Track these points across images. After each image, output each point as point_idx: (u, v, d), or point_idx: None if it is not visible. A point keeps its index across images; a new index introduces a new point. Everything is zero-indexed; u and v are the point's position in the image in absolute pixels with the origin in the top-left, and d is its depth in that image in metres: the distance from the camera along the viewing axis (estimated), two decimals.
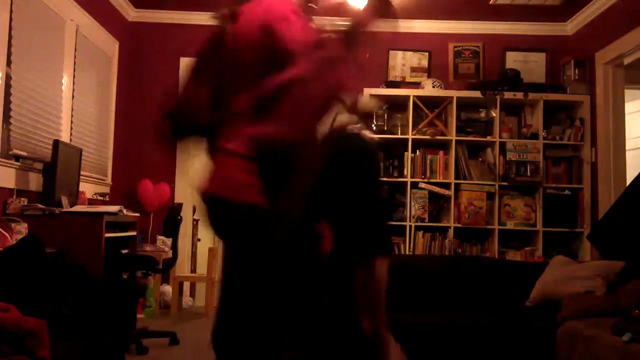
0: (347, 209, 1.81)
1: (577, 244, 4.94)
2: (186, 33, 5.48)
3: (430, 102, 5.08)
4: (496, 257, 4.84)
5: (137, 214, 4.41)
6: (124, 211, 3.93)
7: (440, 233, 4.98)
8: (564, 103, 5.10)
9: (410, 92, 5.03)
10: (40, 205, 3.41)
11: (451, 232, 4.90)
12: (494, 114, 5.06)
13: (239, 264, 1.64)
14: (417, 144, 5.02)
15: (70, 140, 4.23)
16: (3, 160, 3.38)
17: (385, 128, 5.03)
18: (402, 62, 5.48)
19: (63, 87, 4.15)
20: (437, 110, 5.10)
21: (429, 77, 5.35)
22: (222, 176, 1.61)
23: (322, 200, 1.74)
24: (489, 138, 5.03)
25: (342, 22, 1.72)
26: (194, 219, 5.83)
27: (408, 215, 4.90)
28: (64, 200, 3.61)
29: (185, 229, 5.26)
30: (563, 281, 3.24)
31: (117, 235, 3.83)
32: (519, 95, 5.01)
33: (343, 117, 1.84)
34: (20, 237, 2.89)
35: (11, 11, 3.44)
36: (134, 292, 3.63)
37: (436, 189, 4.95)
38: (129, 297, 3.26)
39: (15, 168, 3.51)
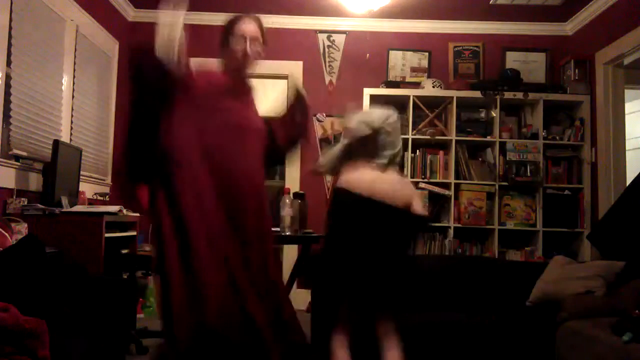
0: None
1: (577, 244, 4.94)
2: (186, 33, 5.47)
3: (430, 102, 5.08)
4: (496, 257, 4.83)
5: (137, 214, 4.40)
6: (124, 211, 3.93)
7: (440, 233, 4.98)
8: (564, 103, 5.10)
9: (410, 92, 5.02)
10: (40, 205, 3.41)
11: (451, 232, 4.90)
12: (494, 114, 5.06)
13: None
14: (417, 144, 5.02)
15: (70, 140, 4.23)
16: (3, 160, 3.38)
17: None
18: (402, 62, 5.48)
19: (63, 87, 4.15)
20: (437, 110, 5.10)
21: (429, 77, 5.35)
22: None
23: None
24: (489, 138, 5.03)
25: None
26: None
27: None
28: (64, 200, 3.61)
29: None
30: (563, 281, 3.24)
31: (117, 235, 3.82)
32: (519, 95, 5.01)
33: None
34: (20, 237, 2.88)
35: (11, 11, 3.44)
36: (134, 292, 3.63)
37: (436, 189, 4.95)
38: (129, 297, 3.25)
39: (15, 168, 3.50)
